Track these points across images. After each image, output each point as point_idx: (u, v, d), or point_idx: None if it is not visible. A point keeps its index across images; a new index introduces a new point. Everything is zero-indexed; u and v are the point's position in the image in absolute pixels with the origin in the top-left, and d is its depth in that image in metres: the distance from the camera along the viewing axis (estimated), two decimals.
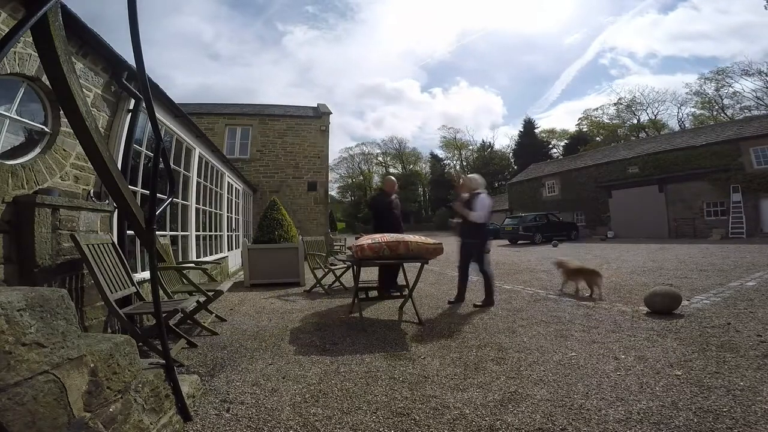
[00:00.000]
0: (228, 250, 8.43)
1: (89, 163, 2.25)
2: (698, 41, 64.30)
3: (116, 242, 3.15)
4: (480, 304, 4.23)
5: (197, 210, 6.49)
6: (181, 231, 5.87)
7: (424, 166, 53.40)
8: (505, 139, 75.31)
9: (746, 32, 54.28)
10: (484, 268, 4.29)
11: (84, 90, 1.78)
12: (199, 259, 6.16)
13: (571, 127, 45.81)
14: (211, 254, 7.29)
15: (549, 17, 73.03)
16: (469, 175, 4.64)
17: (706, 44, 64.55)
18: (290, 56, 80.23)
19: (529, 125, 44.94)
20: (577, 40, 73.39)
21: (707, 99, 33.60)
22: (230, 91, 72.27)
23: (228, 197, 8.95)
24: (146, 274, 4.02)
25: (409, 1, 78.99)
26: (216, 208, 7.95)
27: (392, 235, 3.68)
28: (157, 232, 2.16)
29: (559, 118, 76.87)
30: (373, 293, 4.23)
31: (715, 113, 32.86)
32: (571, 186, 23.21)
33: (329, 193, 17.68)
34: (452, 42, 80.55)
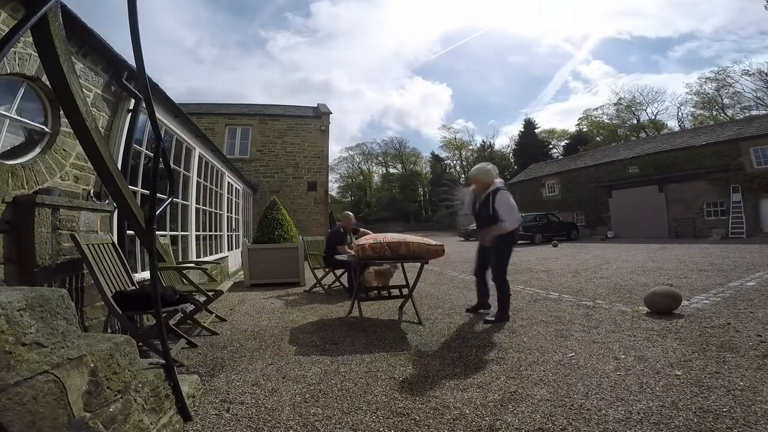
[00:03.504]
0: (228, 250, 8.43)
1: (89, 163, 2.25)
2: (637, 18, 59.37)
3: (116, 242, 3.16)
4: (492, 318, 3.56)
5: (197, 210, 6.49)
6: (181, 231, 5.87)
7: (424, 166, 53.39)
8: (504, 138, 74.13)
9: (692, 8, 50.39)
10: (502, 277, 3.53)
11: (84, 90, 1.78)
12: (199, 259, 6.16)
13: (568, 127, 45.89)
14: (211, 254, 7.29)
15: (546, 19, 72.51)
16: (478, 167, 3.71)
17: (647, 23, 59.52)
18: (275, 60, 78.90)
19: (529, 125, 44.90)
20: (570, 40, 72.70)
21: (707, 99, 33.60)
22: (219, 96, 71.72)
23: (228, 197, 8.95)
24: (146, 274, 4.02)
25: (398, 3, 77.77)
26: (216, 208, 7.96)
27: (394, 235, 3.68)
28: (157, 232, 2.16)
29: (548, 119, 75.78)
30: (373, 293, 4.24)
31: (715, 113, 32.86)
32: (571, 186, 23.21)
33: (329, 193, 17.68)
34: (436, 42, 78.96)
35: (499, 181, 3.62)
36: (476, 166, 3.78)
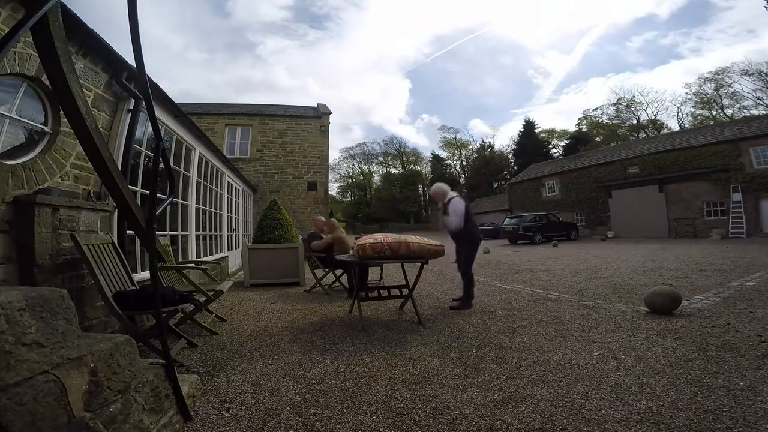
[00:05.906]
0: (228, 250, 8.43)
1: (89, 163, 2.25)
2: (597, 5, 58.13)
3: (116, 242, 3.15)
4: (456, 305, 4.19)
5: (197, 210, 6.49)
6: (181, 231, 5.86)
7: (424, 166, 53.41)
8: (504, 138, 74.04)
9: None
10: (468, 272, 4.21)
11: (84, 90, 1.78)
12: (199, 259, 6.15)
13: (565, 127, 45.90)
14: (211, 254, 7.28)
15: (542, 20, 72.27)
16: (433, 187, 4.60)
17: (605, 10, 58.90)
18: (264, 63, 78.87)
19: (529, 125, 44.87)
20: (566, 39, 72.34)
21: (706, 99, 33.59)
22: (212, 99, 71.77)
23: (228, 197, 8.94)
24: (146, 274, 4.02)
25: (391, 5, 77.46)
26: (216, 208, 7.95)
27: (394, 235, 3.69)
28: (157, 232, 2.16)
29: (545, 118, 75.84)
30: (373, 293, 4.24)
31: (714, 113, 32.86)
32: (571, 186, 23.21)
33: (329, 193, 17.69)
34: (427, 43, 78.78)
35: (452, 194, 4.40)
36: (432, 186, 4.67)
